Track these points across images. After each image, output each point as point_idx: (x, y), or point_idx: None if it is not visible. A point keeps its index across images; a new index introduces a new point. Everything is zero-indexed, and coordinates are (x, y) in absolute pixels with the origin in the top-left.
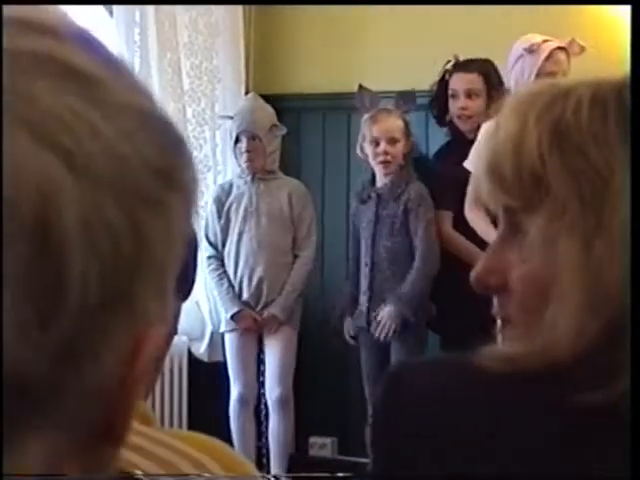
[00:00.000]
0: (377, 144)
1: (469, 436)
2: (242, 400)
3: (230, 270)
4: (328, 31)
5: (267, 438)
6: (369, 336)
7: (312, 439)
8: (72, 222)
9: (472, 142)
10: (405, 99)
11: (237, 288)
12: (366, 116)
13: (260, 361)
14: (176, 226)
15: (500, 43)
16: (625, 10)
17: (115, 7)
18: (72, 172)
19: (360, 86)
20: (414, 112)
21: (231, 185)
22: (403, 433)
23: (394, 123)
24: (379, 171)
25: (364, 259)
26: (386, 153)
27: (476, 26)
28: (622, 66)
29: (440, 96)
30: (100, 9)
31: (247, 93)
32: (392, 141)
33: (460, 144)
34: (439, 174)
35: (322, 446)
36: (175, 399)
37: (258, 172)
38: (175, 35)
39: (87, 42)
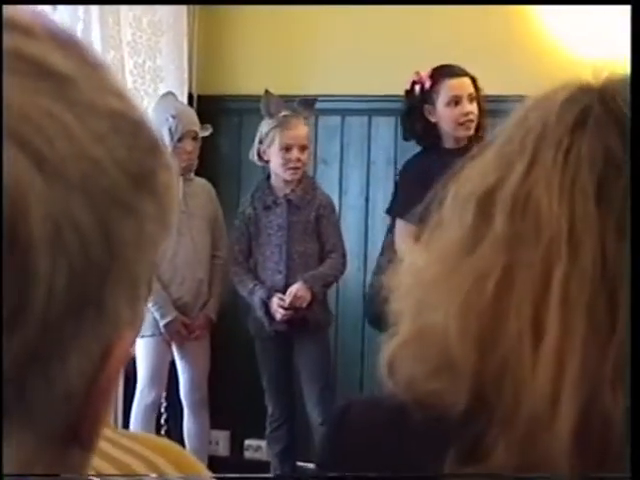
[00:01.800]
0: (288, 150)
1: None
2: (154, 405)
3: (166, 273)
4: (273, 32)
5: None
6: (277, 340)
7: (247, 442)
8: (40, 222)
9: (455, 152)
10: (306, 105)
11: (175, 291)
12: (271, 122)
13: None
14: (149, 231)
15: (459, 46)
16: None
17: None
18: (42, 173)
19: (266, 91)
20: (357, 116)
21: None
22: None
23: (303, 130)
24: (287, 177)
25: (276, 266)
26: (298, 160)
27: (426, 29)
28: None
29: (417, 106)
30: (43, 3)
31: (190, 93)
32: (302, 148)
33: (440, 154)
34: (411, 182)
35: (257, 449)
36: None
37: (187, 173)
38: (119, 33)
39: (60, 40)
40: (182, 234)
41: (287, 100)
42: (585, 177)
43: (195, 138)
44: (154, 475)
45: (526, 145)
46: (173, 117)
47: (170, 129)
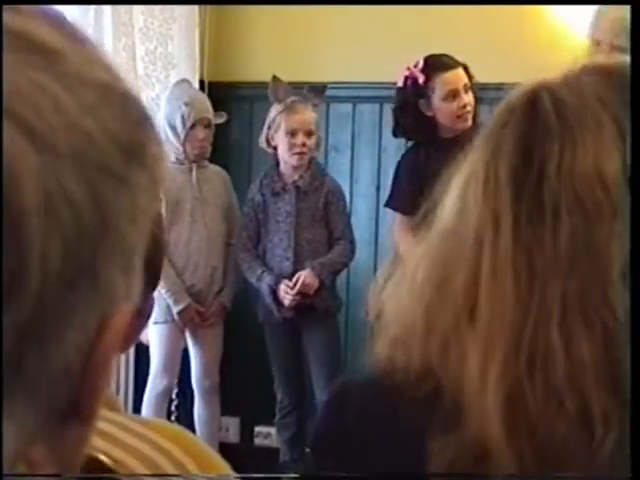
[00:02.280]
0: (294, 134)
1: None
2: (167, 392)
3: (180, 260)
4: (285, 19)
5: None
6: (285, 327)
7: (257, 428)
8: (33, 196)
9: (451, 142)
10: (315, 92)
11: (189, 278)
12: (279, 107)
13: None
14: (141, 203)
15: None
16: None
17: None
18: (33, 145)
19: (274, 77)
20: (369, 104)
21: (169, 171)
22: (345, 450)
23: (310, 115)
24: (293, 162)
25: (284, 253)
26: (303, 145)
27: (430, 22)
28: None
29: (411, 102)
30: None
31: (201, 80)
32: (309, 133)
33: (437, 145)
34: (408, 175)
35: (267, 436)
36: (122, 385)
37: (200, 160)
38: (130, 19)
39: (48, 16)
40: (195, 221)
41: (298, 87)
42: (502, 172)
43: (208, 125)
44: (164, 460)
45: (474, 147)
46: (186, 104)
47: (183, 116)
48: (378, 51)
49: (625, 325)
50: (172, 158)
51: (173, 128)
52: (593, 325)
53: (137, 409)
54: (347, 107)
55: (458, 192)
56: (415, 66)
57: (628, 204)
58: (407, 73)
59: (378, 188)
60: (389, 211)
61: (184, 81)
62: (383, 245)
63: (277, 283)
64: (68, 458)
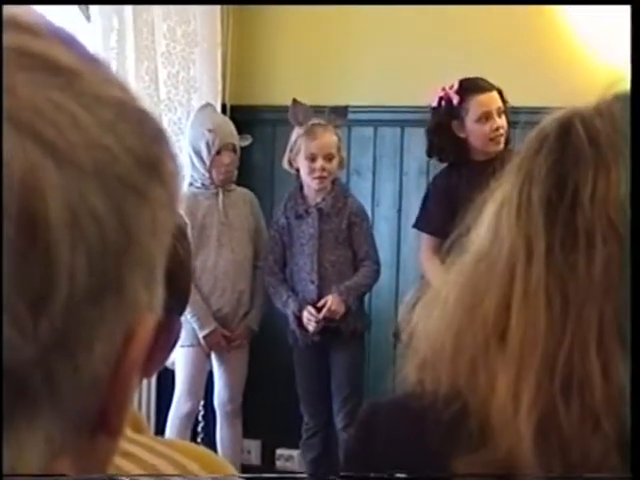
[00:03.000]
0: (313, 160)
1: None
2: (190, 415)
3: (206, 284)
4: (307, 43)
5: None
6: (312, 350)
7: (279, 451)
8: (58, 212)
9: (483, 165)
10: (337, 114)
11: (215, 302)
12: (300, 130)
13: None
14: (160, 216)
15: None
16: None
17: (92, 12)
18: (55, 162)
19: (294, 100)
20: (390, 127)
21: (195, 196)
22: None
23: (330, 139)
24: (314, 186)
25: (309, 276)
26: (323, 169)
27: (462, 41)
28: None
29: (444, 122)
30: (77, 14)
31: (223, 104)
32: (328, 157)
33: (469, 168)
34: (438, 197)
35: (288, 458)
36: (143, 406)
37: (226, 184)
38: (153, 43)
39: (62, 38)
40: (222, 245)
41: (320, 110)
42: (535, 197)
43: (234, 150)
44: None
45: (507, 170)
46: (210, 131)
47: (207, 143)
48: (399, 74)
49: None
50: (198, 184)
51: (198, 154)
52: (629, 349)
53: (160, 432)
54: (369, 130)
55: (491, 217)
56: (450, 87)
57: None
58: (442, 94)
59: (399, 211)
60: (411, 233)
61: (208, 106)
62: (405, 267)
63: (301, 310)
64: (93, 471)
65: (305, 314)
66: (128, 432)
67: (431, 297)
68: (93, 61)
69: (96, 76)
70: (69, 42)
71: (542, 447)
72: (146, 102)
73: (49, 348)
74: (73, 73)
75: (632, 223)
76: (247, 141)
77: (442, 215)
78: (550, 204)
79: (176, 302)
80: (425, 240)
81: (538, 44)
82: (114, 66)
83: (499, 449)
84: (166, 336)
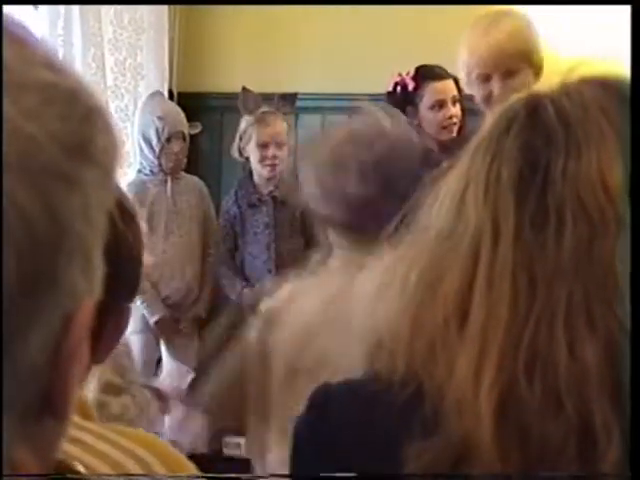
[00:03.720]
0: (265, 147)
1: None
2: None
3: (155, 271)
4: (255, 30)
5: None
6: None
7: (226, 438)
8: None
9: (438, 153)
10: (286, 101)
11: (164, 289)
12: (250, 118)
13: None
14: (93, 199)
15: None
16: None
17: None
18: None
19: (244, 88)
20: (338, 115)
21: (143, 183)
22: (325, 453)
23: (281, 126)
24: (265, 174)
25: (265, 265)
26: (274, 157)
27: (411, 29)
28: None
29: (398, 107)
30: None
31: (170, 91)
32: (279, 145)
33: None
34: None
35: (236, 446)
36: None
37: (175, 172)
38: (100, 30)
39: None
40: (171, 232)
41: (268, 98)
42: (505, 177)
43: (183, 138)
44: (137, 467)
45: (469, 152)
46: (159, 118)
47: (157, 130)
48: (347, 62)
49: (628, 333)
50: (147, 171)
51: (147, 142)
52: (597, 330)
53: None
54: (316, 118)
55: (453, 196)
56: (407, 73)
57: (629, 213)
58: (398, 79)
59: None
60: None
61: (157, 93)
62: None
63: (257, 301)
64: (47, 455)
65: (263, 306)
66: (76, 419)
67: (387, 276)
68: (19, 41)
69: (20, 59)
70: None
71: (501, 429)
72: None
73: None
74: None
75: (632, 220)
76: (197, 129)
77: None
78: (521, 182)
79: (125, 288)
80: None
81: None
82: (60, 53)
83: (454, 433)
84: (115, 322)
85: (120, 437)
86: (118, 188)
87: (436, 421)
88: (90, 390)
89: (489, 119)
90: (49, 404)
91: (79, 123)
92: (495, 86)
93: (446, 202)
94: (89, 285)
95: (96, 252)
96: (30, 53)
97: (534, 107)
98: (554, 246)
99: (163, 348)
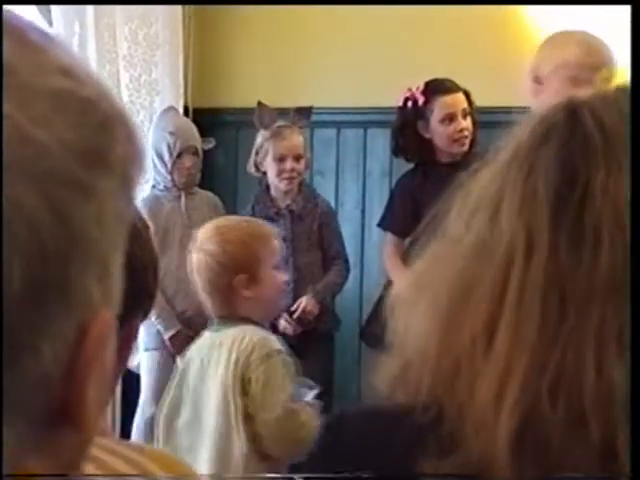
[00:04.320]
0: (283, 160)
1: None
2: (153, 420)
3: (170, 286)
4: (269, 45)
5: None
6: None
7: None
8: None
9: (449, 166)
10: (301, 115)
11: (179, 304)
12: (266, 133)
13: None
14: (109, 207)
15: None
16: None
17: (54, 17)
18: None
19: (259, 103)
20: (353, 128)
21: (157, 198)
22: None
23: (298, 139)
24: (282, 187)
25: None
26: (292, 170)
27: (424, 44)
28: None
29: (410, 123)
30: (39, 18)
31: (186, 106)
32: (297, 158)
33: (434, 169)
34: (403, 197)
35: None
36: (108, 410)
37: (189, 187)
38: (114, 47)
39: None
40: (185, 247)
41: (284, 112)
42: (542, 192)
43: (195, 153)
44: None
45: (502, 164)
46: (171, 133)
47: (169, 145)
48: (362, 76)
49: None
50: (161, 186)
51: (160, 157)
52: (628, 352)
53: (126, 436)
54: (331, 132)
55: (486, 208)
56: (417, 88)
57: None
58: (408, 94)
59: (363, 211)
60: (375, 233)
61: (170, 109)
62: (369, 267)
63: (277, 318)
64: (67, 465)
65: (282, 322)
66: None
67: (414, 293)
68: (32, 47)
69: (31, 66)
70: (5, 29)
71: (519, 451)
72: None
73: None
74: (7, 67)
75: (632, 225)
76: (210, 144)
77: (405, 215)
78: (558, 199)
79: (137, 303)
80: (388, 239)
81: (503, 44)
82: None
83: (471, 455)
84: (125, 337)
85: (134, 453)
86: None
87: (453, 442)
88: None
89: (525, 125)
90: (66, 415)
91: (94, 131)
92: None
93: (479, 213)
94: (106, 295)
95: (114, 262)
96: (45, 59)
97: (574, 117)
98: (588, 266)
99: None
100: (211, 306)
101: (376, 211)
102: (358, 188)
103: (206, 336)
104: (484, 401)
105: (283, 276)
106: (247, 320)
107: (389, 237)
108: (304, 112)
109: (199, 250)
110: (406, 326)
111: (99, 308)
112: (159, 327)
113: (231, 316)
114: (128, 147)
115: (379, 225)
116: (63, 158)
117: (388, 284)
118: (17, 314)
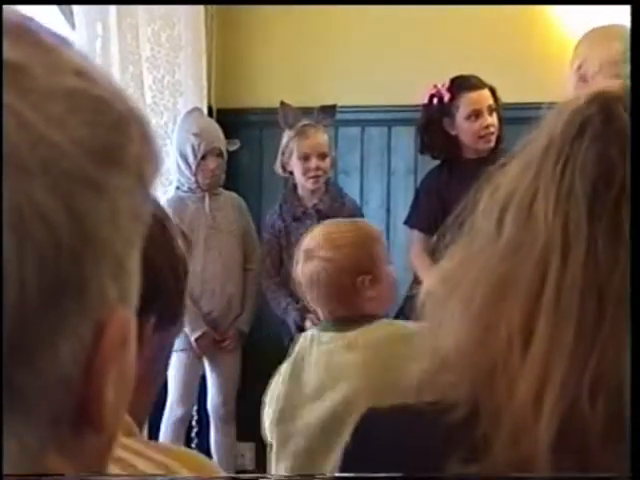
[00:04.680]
0: (307, 159)
1: None
2: (184, 420)
3: (196, 287)
4: (292, 44)
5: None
6: None
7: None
8: (2, 214)
9: (475, 163)
10: (326, 113)
11: (205, 305)
12: (291, 132)
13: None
14: (124, 204)
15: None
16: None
17: (77, 20)
18: None
19: (282, 102)
20: (377, 127)
21: (182, 200)
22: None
23: (322, 138)
24: (309, 186)
25: None
26: (317, 168)
27: (450, 41)
28: None
29: (436, 120)
30: (62, 22)
31: (210, 107)
32: (322, 156)
33: (460, 166)
34: (429, 194)
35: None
36: None
37: (213, 188)
38: (137, 48)
39: (10, 28)
40: (210, 248)
41: (307, 111)
42: (578, 188)
43: (220, 155)
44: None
45: (534, 157)
46: (195, 135)
47: (193, 147)
48: (385, 73)
49: None
50: (185, 188)
51: (184, 158)
52: None
53: (154, 437)
54: (355, 130)
55: (520, 205)
56: (442, 85)
57: None
58: (433, 91)
59: (388, 210)
60: (401, 232)
61: (194, 110)
62: (395, 266)
63: (303, 319)
64: (89, 466)
65: (308, 323)
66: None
67: (445, 291)
68: (44, 49)
69: (46, 67)
70: (16, 31)
71: (558, 455)
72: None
73: (5, 357)
74: (19, 69)
75: (632, 223)
76: (235, 146)
77: (432, 212)
78: (595, 196)
79: (149, 304)
80: (415, 237)
81: (529, 40)
82: None
83: (506, 455)
84: (167, 344)
85: (162, 455)
86: (160, 206)
87: (487, 443)
88: None
89: (556, 118)
90: (87, 417)
91: (108, 130)
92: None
93: (511, 208)
94: (122, 293)
95: (129, 260)
96: (58, 60)
97: (608, 110)
98: (626, 263)
99: (207, 366)
100: (329, 310)
101: (401, 209)
102: (383, 187)
103: (325, 338)
104: (523, 403)
105: (392, 270)
106: (373, 318)
107: (416, 235)
108: (328, 111)
109: (312, 259)
110: (437, 324)
111: (115, 306)
112: (185, 328)
113: (355, 316)
114: (143, 146)
115: (405, 223)
116: (77, 157)
117: (415, 282)
118: (33, 313)
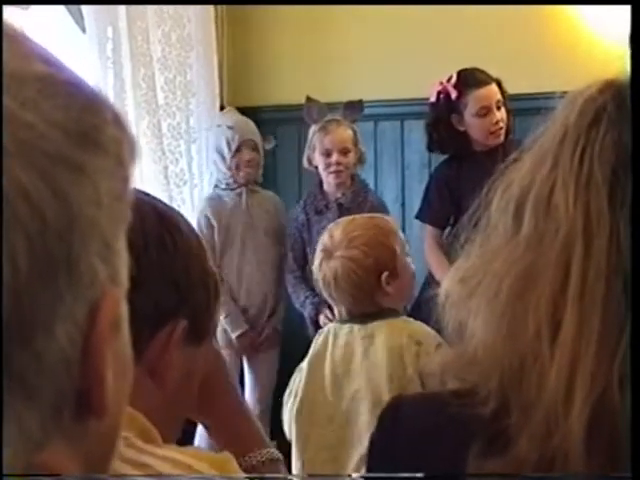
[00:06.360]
0: (329, 155)
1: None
2: None
3: (232, 286)
4: (302, 41)
5: None
6: None
7: None
8: None
9: (485, 155)
10: (352, 109)
11: (242, 303)
12: (315, 127)
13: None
14: (106, 186)
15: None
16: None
17: (87, 23)
18: None
19: (308, 98)
20: (390, 121)
21: (220, 197)
22: (397, 465)
23: (344, 133)
24: (331, 181)
25: None
26: (338, 163)
27: (459, 36)
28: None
29: (443, 117)
30: (72, 25)
31: (222, 106)
32: (344, 151)
33: (470, 159)
34: (440, 188)
35: None
36: None
37: (250, 184)
38: (148, 50)
39: None
40: (246, 245)
41: (333, 107)
42: (598, 175)
43: (255, 149)
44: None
45: (549, 149)
46: (229, 128)
47: (227, 140)
48: (397, 67)
49: None
50: (222, 185)
51: (220, 153)
52: None
53: (191, 435)
54: (368, 125)
55: (538, 197)
56: (448, 80)
57: None
58: (440, 88)
59: (403, 204)
60: (416, 226)
61: (228, 110)
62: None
63: (318, 313)
64: (93, 455)
65: (322, 318)
66: (139, 442)
67: (467, 287)
68: (14, 38)
69: (16, 54)
70: None
71: (592, 442)
72: (144, 110)
73: (4, 339)
74: None
75: (632, 220)
76: (271, 144)
77: (443, 206)
78: (615, 183)
79: (191, 314)
80: (427, 231)
81: (537, 28)
82: (111, 76)
83: (540, 449)
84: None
85: (188, 458)
86: (176, 211)
87: (517, 435)
88: None
89: (569, 108)
90: (87, 401)
91: (81, 112)
92: None
93: (530, 203)
94: (112, 273)
95: (116, 241)
96: (26, 49)
97: (621, 97)
98: None
99: (245, 364)
100: (349, 307)
101: (416, 203)
102: (397, 181)
103: (345, 332)
104: (554, 393)
105: (410, 263)
106: (393, 311)
107: (428, 229)
108: (355, 106)
109: (334, 258)
110: (461, 319)
111: (107, 287)
112: (227, 327)
113: (375, 311)
114: (117, 128)
115: (417, 217)
116: (55, 139)
117: (430, 277)
118: (27, 293)
